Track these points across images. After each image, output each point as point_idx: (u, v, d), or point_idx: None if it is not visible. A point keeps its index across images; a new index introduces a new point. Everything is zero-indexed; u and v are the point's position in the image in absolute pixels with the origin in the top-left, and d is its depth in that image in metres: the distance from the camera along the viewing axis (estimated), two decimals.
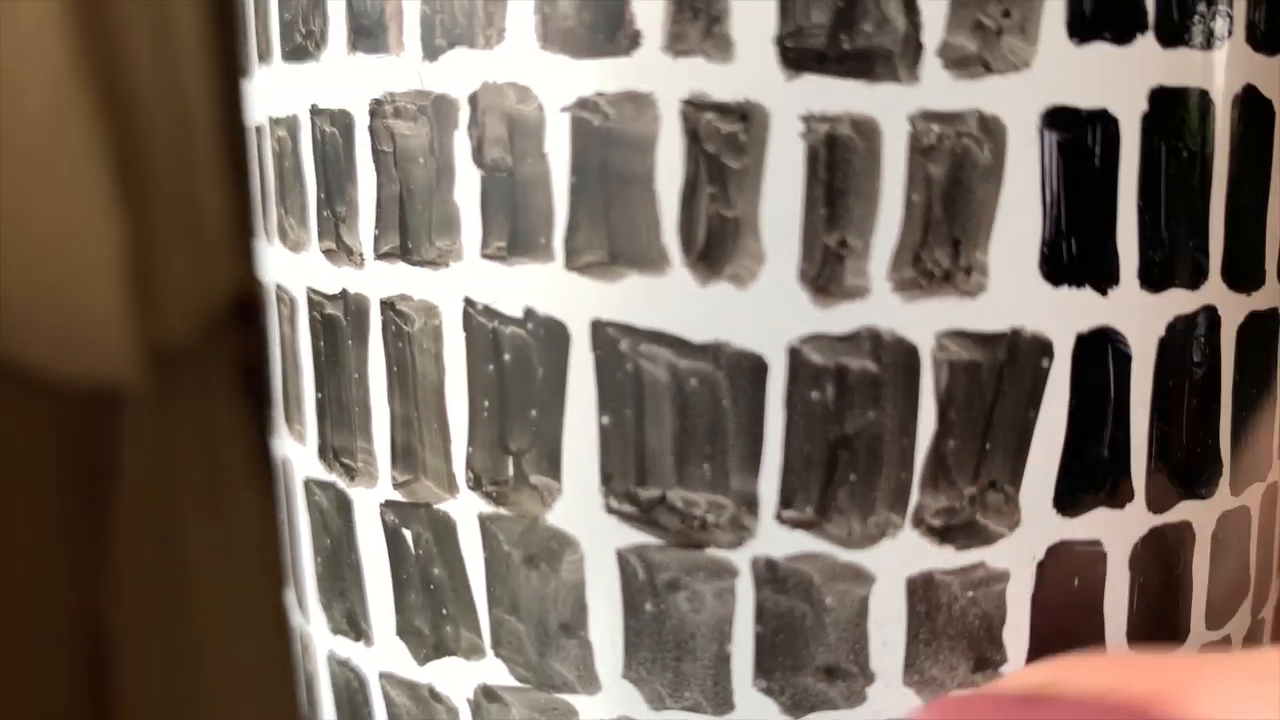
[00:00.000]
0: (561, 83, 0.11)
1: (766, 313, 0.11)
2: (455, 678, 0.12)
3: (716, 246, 0.11)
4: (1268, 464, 0.13)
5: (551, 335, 0.11)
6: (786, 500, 0.11)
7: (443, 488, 0.12)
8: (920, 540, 0.11)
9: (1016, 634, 0.12)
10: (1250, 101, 0.12)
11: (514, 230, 0.11)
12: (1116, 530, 0.12)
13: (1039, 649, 0.12)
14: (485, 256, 0.11)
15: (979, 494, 0.11)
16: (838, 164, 0.11)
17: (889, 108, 0.11)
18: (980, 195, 0.11)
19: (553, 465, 0.12)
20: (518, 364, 0.11)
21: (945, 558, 0.11)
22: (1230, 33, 0.12)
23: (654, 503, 0.11)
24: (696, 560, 0.11)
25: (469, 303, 0.12)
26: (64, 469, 0.37)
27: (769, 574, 0.11)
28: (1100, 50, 0.11)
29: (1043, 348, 0.11)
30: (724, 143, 0.11)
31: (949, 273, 0.11)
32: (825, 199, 0.11)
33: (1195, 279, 0.12)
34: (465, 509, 0.12)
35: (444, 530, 0.12)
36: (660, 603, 0.12)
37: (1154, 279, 0.12)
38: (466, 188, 0.11)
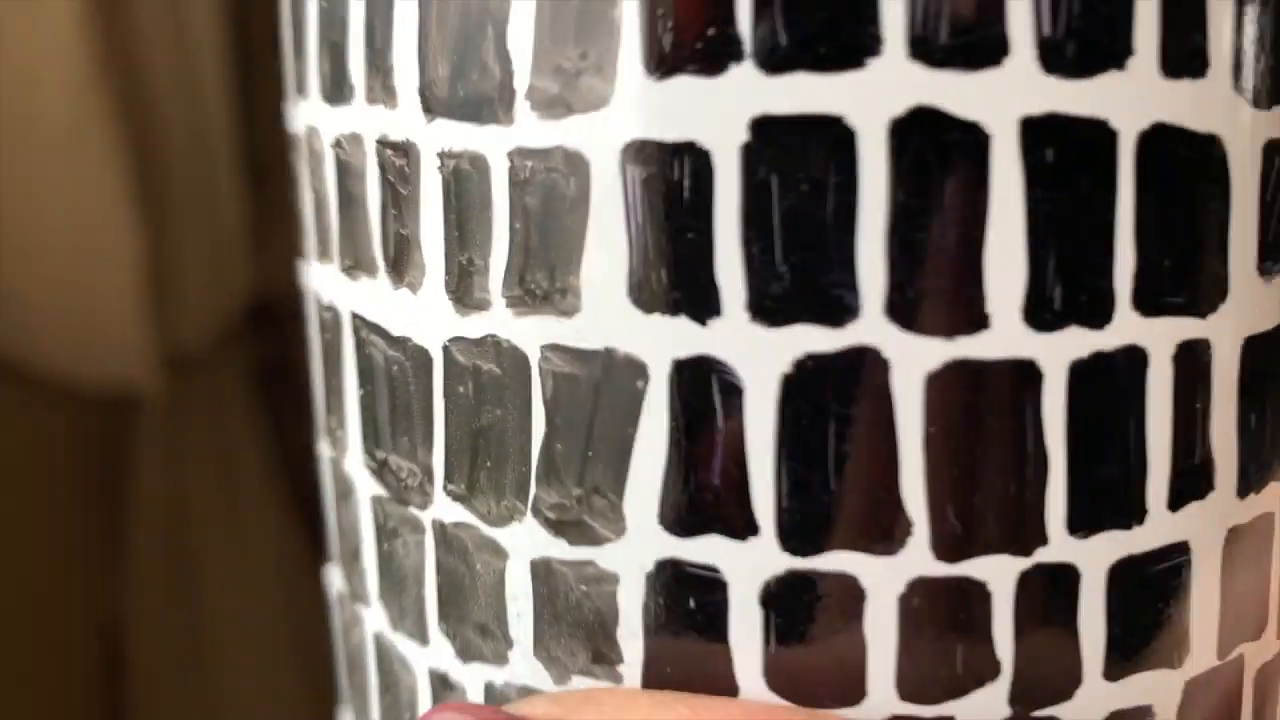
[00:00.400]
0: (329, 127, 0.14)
1: (428, 316, 0.13)
2: None
3: (401, 258, 0.13)
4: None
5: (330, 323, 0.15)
6: (448, 475, 0.13)
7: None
8: (540, 529, 0.13)
9: (633, 638, 0.12)
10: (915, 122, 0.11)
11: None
12: (736, 561, 0.12)
13: (656, 658, 0.12)
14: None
15: (585, 496, 0.12)
16: (463, 194, 0.13)
17: (494, 145, 0.12)
18: (569, 224, 0.12)
19: (339, 420, 0.15)
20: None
21: (561, 549, 0.13)
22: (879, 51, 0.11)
23: (382, 464, 0.14)
24: (404, 515, 0.14)
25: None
26: (79, 473, 0.36)
27: (441, 535, 0.14)
28: (686, 83, 0.11)
29: (637, 369, 0.12)
30: (398, 174, 0.13)
31: (548, 293, 0.12)
32: (457, 223, 0.13)
33: (841, 316, 0.11)
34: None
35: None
36: (389, 544, 0.14)
37: (769, 313, 0.11)
38: None
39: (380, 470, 0.14)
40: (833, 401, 0.12)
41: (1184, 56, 0.12)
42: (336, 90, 0.14)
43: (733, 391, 0.12)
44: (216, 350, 0.36)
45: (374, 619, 0.15)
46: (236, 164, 0.34)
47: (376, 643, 0.15)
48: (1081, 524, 0.12)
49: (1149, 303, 0.12)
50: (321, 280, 0.15)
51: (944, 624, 0.12)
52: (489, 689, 0.13)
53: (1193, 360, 0.12)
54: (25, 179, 0.32)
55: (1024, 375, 0.12)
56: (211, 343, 0.35)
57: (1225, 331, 0.12)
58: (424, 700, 0.14)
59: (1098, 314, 0.12)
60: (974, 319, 0.11)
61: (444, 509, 0.13)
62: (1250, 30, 0.12)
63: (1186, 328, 0.12)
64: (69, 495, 0.36)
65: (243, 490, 0.37)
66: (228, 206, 0.34)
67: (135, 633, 0.37)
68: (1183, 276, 0.12)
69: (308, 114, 0.15)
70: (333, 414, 0.15)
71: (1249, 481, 0.13)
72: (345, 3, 0.13)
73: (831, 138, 0.11)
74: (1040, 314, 0.12)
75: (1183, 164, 0.12)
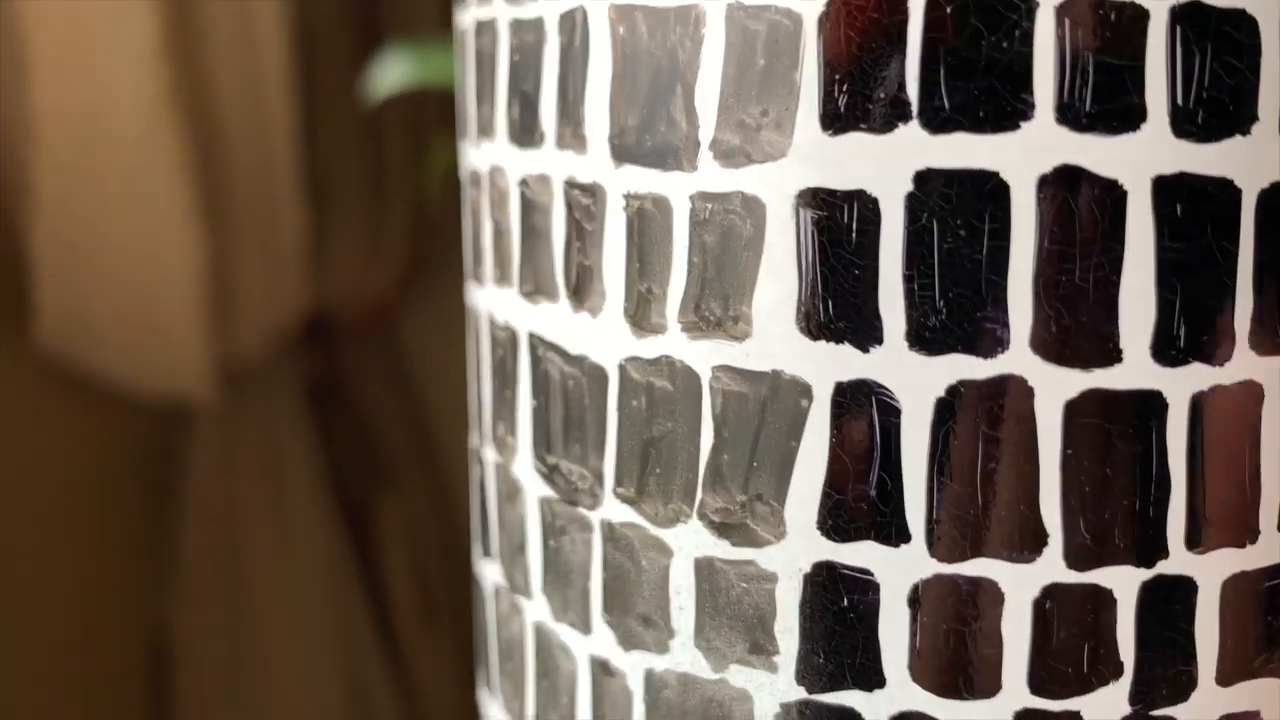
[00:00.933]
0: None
1: (606, 337, 0.15)
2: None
3: (582, 285, 0.15)
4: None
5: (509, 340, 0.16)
6: (618, 480, 0.15)
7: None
8: (704, 530, 0.14)
9: (788, 633, 0.14)
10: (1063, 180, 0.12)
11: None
12: (888, 565, 0.13)
13: (810, 651, 0.14)
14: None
15: (749, 502, 0.14)
16: (645, 231, 0.14)
17: (677, 189, 0.14)
18: (744, 260, 0.13)
19: (509, 428, 0.17)
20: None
21: (723, 549, 0.14)
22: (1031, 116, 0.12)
23: (553, 468, 0.16)
24: (573, 515, 0.16)
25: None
26: (134, 481, 0.37)
27: (608, 533, 0.15)
28: (857, 140, 0.13)
29: (803, 389, 0.13)
30: (584, 211, 0.15)
31: (721, 320, 0.14)
32: (638, 256, 0.14)
33: (991, 347, 0.13)
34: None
35: None
36: (556, 541, 0.16)
37: (926, 342, 0.13)
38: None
39: (551, 474, 0.16)
40: (981, 424, 0.13)
41: None
42: (526, 135, 0.16)
43: (890, 412, 0.13)
44: (271, 363, 0.36)
45: (536, 610, 0.16)
46: (297, 183, 0.35)
47: (537, 631, 0.16)
48: (1198, 540, 0.13)
49: (1266, 343, 0.13)
50: (498, 302, 0.17)
51: (1073, 627, 0.13)
52: (649, 675, 0.15)
53: None
54: (98, 194, 0.33)
55: (1151, 405, 0.13)
56: (267, 356, 0.36)
57: None
58: (584, 684, 0.16)
59: (1217, 350, 0.13)
60: (1108, 353, 0.13)
61: (613, 510, 0.15)
62: None
63: None
64: (123, 500, 0.37)
65: (291, 498, 0.39)
66: (287, 224, 0.35)
67: (183, 634, 0.38)
68: None
69: (493, 154, 0.16)
70: (501, 421, 0.17)
71: None
72: (540, 56, 0.15)
73: (987, 190, 0.13)
74: (1166, 351, 0.13)
75: None
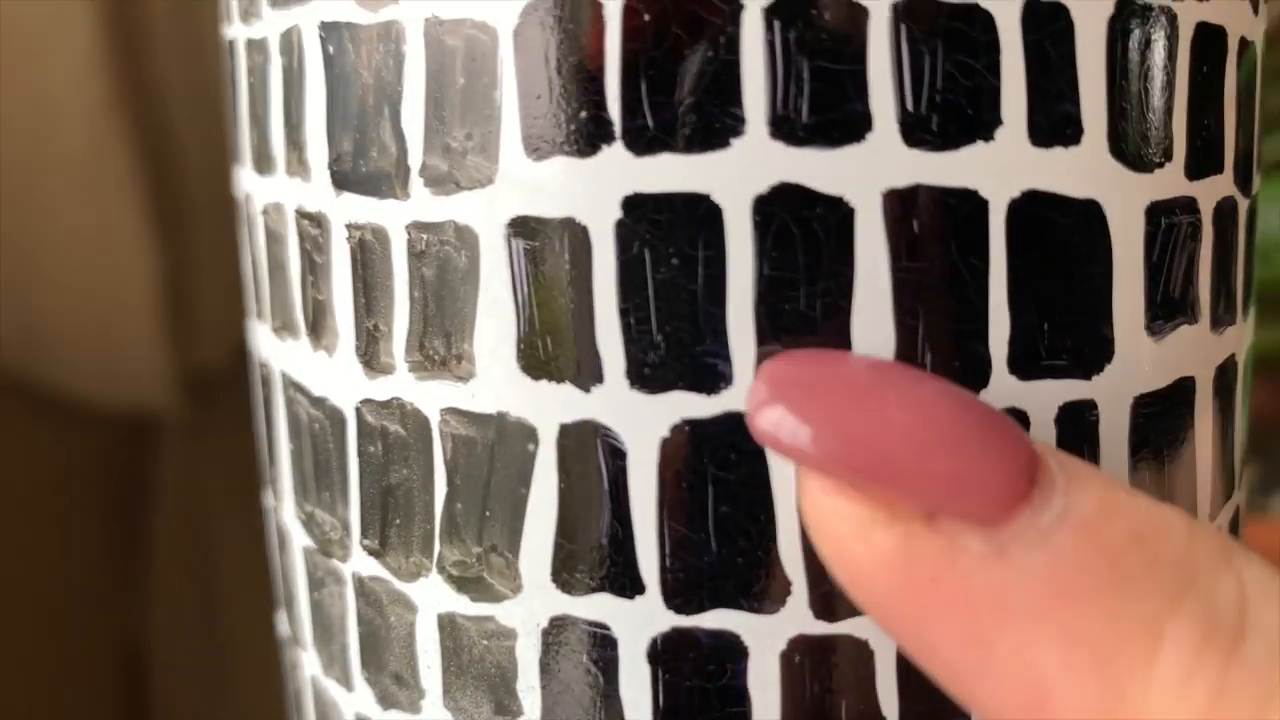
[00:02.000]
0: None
1: (342, 377, 0.14)
2: None
3: (319, 322, 0.14)
4: None
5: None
6: (364, 530, 0.14)
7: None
8: (445, 585, 0.13)
9: (530, 692, 0.13)
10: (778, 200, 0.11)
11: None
12: (624, 619, 0.12)
13: (553, 711, 0.13)
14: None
15: (484, 554, 0.13)
16: (368, 264, 0.13)
17: (393, 219, 0.13)
18: (462, 294, 0.12)
19: (275, 473, 0.16)
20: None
21: (464, 605, 0.13)
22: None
23: (310, 516, 0.15)
24: (329, 566, 0.15)
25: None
26: (101, 494, 0.36)
27: (359, 587, 0.14)
28: (562, 164, 0.12)
29: (528, 433, 0.12)
30: (314, 243, 0.14)
31: (445, 359, 0.13)
32: (364, 291, 0.13)
33: (714, 384, 0.12)
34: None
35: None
36: (318, 593, 0.15)
37: (647, 380, 0.12)
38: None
39: (308, 522, 0.15)
40: (710, 465, 0.12)
41: (1055, 125, 0.12)
42: (263, 161, 0.15)
43: (617, 455, 0.12)
44: (236, 371, 0.33)
45: (310, 663, 0.15)
46: None
47: (313, 686, 0.16)
48: None
49: (1026, 367, 0.12)
50: (257, 338, 0.16)
51: (826, 680, 0.12)
52: None
53: (1078, 422, 0.12)
54: (46, 205, 0.32)
55: None
56: (229, 363, 0.35)
57: (1112, 392, 0.13)
58: None
59: (972, 378, 0.12)
60: None
61: (361, 563, 0.14)
62: (1124, 96, 0.12)
63: (1070, 390, 0.12)
64: (91, 515, 0.36)
65: (261, 506, 0.39)
66: None
67: (156, 652, 0.37)
68: (1063, 340, 0.12)
69: (244, 181, 0.15)
70: (272, 465, 0.16)
71: None
72: (267, 80, 0.14)
73: (699, 214, 0.12)
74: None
75: (1058, 230, 0.12)
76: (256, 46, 0.14)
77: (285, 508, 0.15)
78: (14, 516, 0.35)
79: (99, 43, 0.32)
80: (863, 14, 0.11)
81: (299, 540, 0.15)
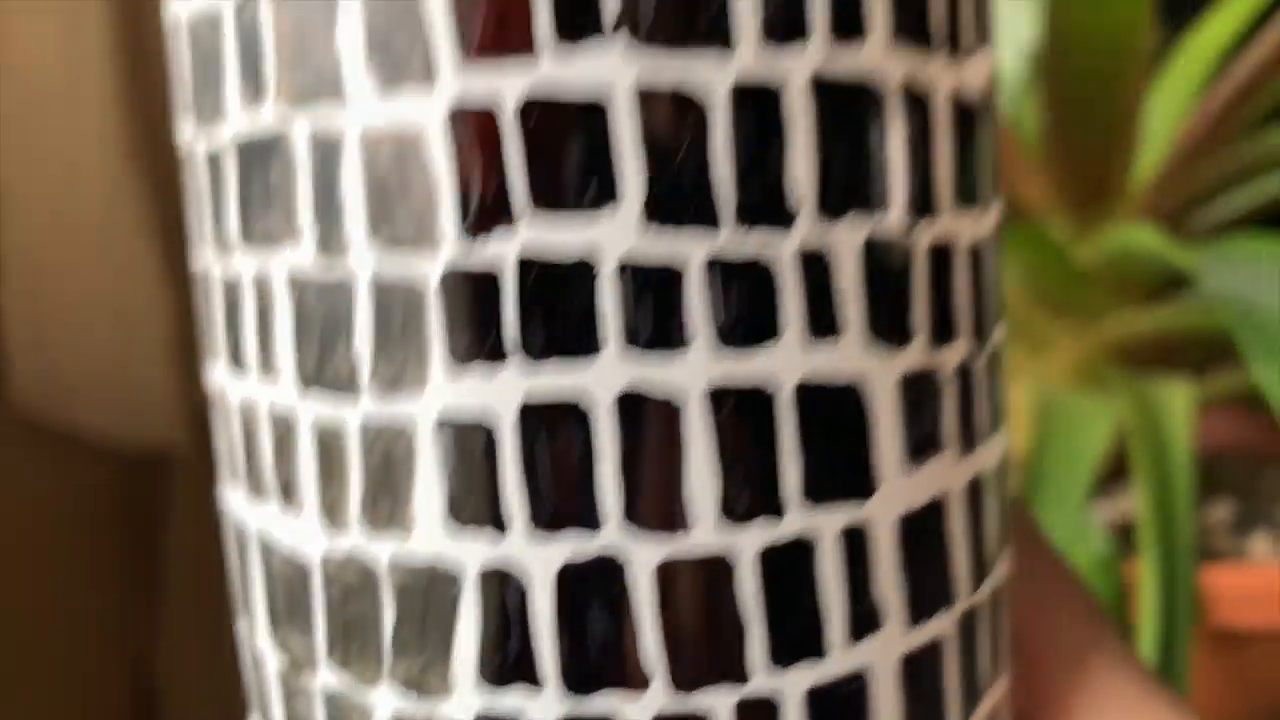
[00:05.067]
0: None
1: (307, 532, 0.18)
2: None
3: (288, 486, 0.18)
4: None
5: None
6: (330, 649, 0.18)
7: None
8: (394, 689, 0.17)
9: None
10: None
11: None
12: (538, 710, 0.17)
13: None
14: None
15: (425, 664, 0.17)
16: (328, 459, 0.17)
17: (349, 413, 0.17)
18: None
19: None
20: None
21: (410, 704, 0.17)
22: None
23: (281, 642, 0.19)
24: (298, 684, 0.19)
25: None
26: (115, 528, 0.37)
27: (327, 699, 0.18)
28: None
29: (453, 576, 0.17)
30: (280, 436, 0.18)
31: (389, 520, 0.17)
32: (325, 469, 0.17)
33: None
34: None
35: None
36: (290, 704, 0.19)
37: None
38: None
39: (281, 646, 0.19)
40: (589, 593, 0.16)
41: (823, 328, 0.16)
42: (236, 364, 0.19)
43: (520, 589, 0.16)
44: None
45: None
46: None
47: None
48: (780, 658, 0.17)
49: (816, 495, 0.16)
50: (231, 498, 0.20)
51: None
52: None
53: (856, 539, 0.17)
54: (66, 252, 0.34)
55: (719, 567, 0.16)
56: None
57: (882, 513, 0.17)
58: None
59: (773, 510, 0.16)
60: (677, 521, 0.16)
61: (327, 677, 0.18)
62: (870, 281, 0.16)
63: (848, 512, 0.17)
64: (106, 549, 0.38)
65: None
66: None
67: (169, 683, 0.39)
68: (840, 477, 0.17)
69: (213, 374, 0.20)
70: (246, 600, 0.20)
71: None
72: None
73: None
74: (732, 512, 0.16)
75: (829, 398, 0.16)
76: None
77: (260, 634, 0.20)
78: (32, 546, 0.38)
79: (118, 98, 0.34)
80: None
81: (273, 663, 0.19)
